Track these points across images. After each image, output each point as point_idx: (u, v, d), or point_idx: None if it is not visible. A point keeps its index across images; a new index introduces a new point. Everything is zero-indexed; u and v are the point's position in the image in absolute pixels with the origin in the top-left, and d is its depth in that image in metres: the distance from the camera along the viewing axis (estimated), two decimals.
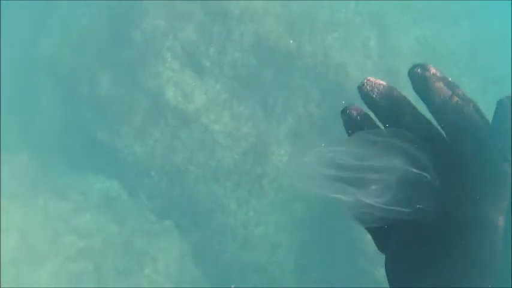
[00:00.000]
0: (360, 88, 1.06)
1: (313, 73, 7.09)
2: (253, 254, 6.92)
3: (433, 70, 1.02)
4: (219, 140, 7.23)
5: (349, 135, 1.10)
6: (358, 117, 1.07)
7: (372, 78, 1.05)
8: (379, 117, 1.06)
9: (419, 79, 1.03)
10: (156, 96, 7.20)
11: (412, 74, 1.03)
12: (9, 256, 6.21)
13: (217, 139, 7.22)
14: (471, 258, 0.97)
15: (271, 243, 6.97)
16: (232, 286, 6.41)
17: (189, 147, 7.24)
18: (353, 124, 1.08)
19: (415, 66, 1.03)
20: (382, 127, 1.07)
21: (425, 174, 1.08)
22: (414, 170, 1.09)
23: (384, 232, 1.10)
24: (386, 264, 1.08)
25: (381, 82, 1.05)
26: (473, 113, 0.98)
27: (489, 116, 1.00)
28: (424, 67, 1.03)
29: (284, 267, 6.80)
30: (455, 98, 1.00)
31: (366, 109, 1.08)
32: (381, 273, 6.47)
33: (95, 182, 7.30)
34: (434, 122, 1.04)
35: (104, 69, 7.45)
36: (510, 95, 0.98)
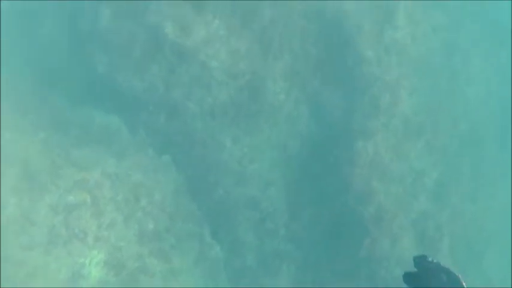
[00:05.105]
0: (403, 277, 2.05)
1: (311, 11, 6.98)
2: (246, 189, 7.05)
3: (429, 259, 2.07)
4: (216, 76, 7.21)
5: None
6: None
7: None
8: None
9: (419, 265, 2.04)
10: (155, 30, 7.14)
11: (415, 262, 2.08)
12: (11, 186, 6.39)
13: (214, 75, 7.20)
14: None
15: (265, 180, 7.08)
16: None
17: (186, 83, 7.24)
18: None
19: (415, 257, 2.07)
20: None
21: None
22: None
23: None
24: None
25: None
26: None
27: None
28: (422, 257, 2.07)
29: (276, 204, 6.94)
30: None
31: None
32: (368, 212, 6.59)
33: (95, 116, 7.38)
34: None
35: (105, 2, 7.36)
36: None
